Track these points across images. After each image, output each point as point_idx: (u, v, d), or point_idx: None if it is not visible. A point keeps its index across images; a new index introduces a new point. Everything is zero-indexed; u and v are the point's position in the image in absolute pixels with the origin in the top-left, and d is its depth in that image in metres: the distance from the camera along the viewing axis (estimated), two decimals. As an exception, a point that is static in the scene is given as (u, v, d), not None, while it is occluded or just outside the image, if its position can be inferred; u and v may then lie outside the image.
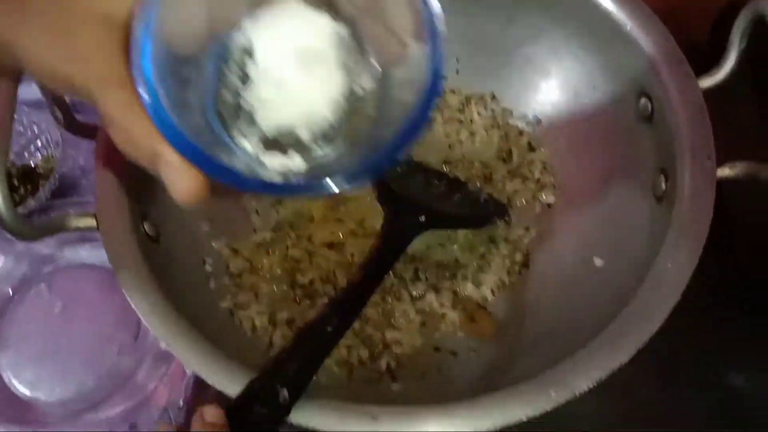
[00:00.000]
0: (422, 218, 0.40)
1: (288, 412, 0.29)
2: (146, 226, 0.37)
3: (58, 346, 0.51)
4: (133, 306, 0.33)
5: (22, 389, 0.49)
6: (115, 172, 0.37)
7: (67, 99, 0.40)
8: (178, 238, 0.40)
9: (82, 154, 0.61)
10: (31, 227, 0.33)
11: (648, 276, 0.33)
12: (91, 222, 0.36)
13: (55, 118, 0.38)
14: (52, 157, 0.59)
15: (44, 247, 0.56)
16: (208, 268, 0.41)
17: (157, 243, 0.38)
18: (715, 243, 0.48)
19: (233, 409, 0.28)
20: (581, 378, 0.30)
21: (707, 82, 0.38)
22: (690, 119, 0.36)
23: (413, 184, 0.43)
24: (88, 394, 0.49)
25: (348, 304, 0.35)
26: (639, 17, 0.40)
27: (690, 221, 0.34)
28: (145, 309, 0.33)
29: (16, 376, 0.50)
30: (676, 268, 0.32)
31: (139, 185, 0.38)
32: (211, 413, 0.27)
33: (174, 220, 0.41)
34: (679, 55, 0.38)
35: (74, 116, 0.39)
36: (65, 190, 0.60)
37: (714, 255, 0.48)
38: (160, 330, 0.32)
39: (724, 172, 0.35)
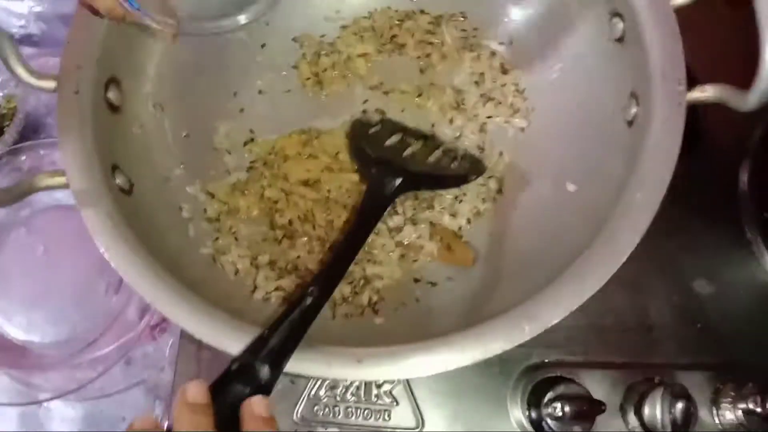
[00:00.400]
0: (399, 181, 0.40)
1: (270, 389, 0.29)
2: (118, 179, 0.37)
3: (46, 288, 0.52)
4: (112, 264, 0.33)
5: (15, 333, 0.51)
6: (80, 121, 0.36)
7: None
8: (152, 186, 0.40)
9: (44, 89, 0.59)
10: (2, 192, 0.33)
11: (617, 207, 0.33)
12: (61, 180, 0.35)
13: (9, 69, 0.37)
14: (13, 96, 0.57)
15: (17, 189, 0.55)
16: (185, 214, 0.41)
17: (130, 194, 0.38)
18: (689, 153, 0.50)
19: (215, 387, 0.28)
20: (552, 311, 0.31)
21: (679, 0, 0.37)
22: (661, 41, 0.36)
23: (390, 146, 0.43)
24: (80, 333, 0.51)
25: (328, 274, 0.35)
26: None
27: (659, 148, 0.34)
28: (123, 265, 0.33)
29: (7, 321, 0.51)
30: (644, 198, 0.33)
31: (107, 134, 0.38)
32: (194, 392, 0.27)
33: (146, 169, 0.40)
34: (651, -28, 0.37)
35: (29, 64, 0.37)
36: (32, 129, 0.59)
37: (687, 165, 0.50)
38: (142, 286, 0.33)
39: (695, 95, 0.35)
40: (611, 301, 0.47)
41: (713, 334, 0.46)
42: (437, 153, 0.44)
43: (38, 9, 0.60)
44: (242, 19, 0.32)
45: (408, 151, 0.43)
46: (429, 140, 0.45)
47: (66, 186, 0.35)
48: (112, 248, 0.33)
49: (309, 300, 0.32)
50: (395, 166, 0.42)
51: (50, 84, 0.37)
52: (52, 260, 0.52)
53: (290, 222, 0.43)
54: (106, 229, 0.34)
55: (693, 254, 0.48)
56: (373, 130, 0.44)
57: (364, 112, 0.46)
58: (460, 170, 0.43)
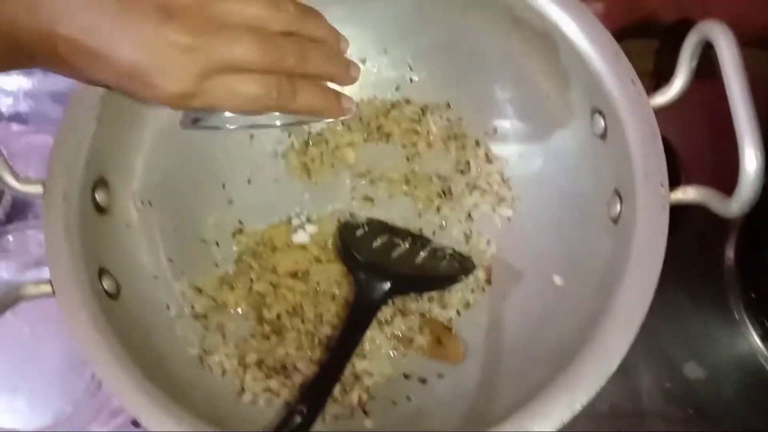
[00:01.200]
0: (387, 286, 0.41)
1: None
2: (105, 283, 0.37)
3: (31, 373, 0.51)
4: (98, 376, 0.33)
5: None
6: (66, 227, 0.36)
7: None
8: (139, 286, 0.40)
9: (31, 167, 0.59)
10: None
11: (605, 311, 0.33)
12: (47, 289, 0.35)
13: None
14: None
15: (3, 271, 0.55)
16: (172, 312, 0.41)
17: (117, 299, 0.37)
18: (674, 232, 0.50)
19: None
20: (543, 424, 0.31)
21: (658, 100, 0.37)
22: (642, 142, 0.36)
23: (377, 249, 0.43)
24: (66, 421, 0.50)
25: (316, 390, 0.34)
26: (591, 34, 0.39)
27: (645, 253, 0.34)
28: (109, 378, 0.33)
29: (-12, 409, 0.50)
30: (633, 303, 0.33)
31: (94, 237, 0.38)
32: None
33: (133, 268, 0.40)
34: (631, 74, 0.38)
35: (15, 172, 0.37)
36: (20, 209, 0.58)
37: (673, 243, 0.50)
38: (127, 399, 0.32)
39: (677, 196, 0.36)
40: (604, 388, 0.46)
41: (706, 419, 0.46)
42: (424, 253, 0.44)
43: (28, 86, 0.61)
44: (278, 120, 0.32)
45: (396, 253, 0.43)
46: (416, 240, 0.45)
47: (52, 295, 0.35)
48: (99, 361, 0.33)
49: (298, 419, 0.32)
50: (383, 270, 0.42)
51: (37, 189, 0.37)
52: (38, 344, 0.52)
53: (278, 316, 0.42)
54: (93, 341, 0.33)
55: (682, 337, 0.48)
56: (359, 232, 0.44)
57: (352, 199, 0.47)
58: (448, 270, 0.44)
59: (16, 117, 0.60)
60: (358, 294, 0.41)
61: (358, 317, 0.40)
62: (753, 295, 0.49)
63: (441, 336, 0.42)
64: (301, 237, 0.45)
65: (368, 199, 0.47)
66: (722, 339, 0.49)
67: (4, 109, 0.59)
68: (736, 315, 0.49)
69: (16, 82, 0.60)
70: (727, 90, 0.33)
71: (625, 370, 0.47)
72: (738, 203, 0.33)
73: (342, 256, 0.44)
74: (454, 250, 0.45)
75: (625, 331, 0.33)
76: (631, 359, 0.46)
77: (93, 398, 0.50)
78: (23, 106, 0.60)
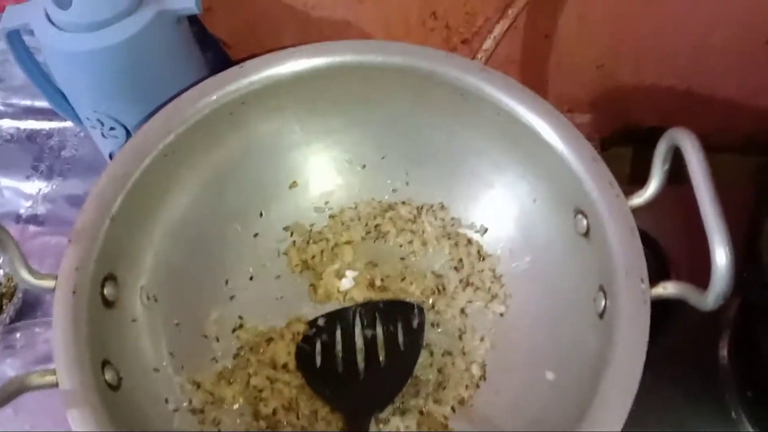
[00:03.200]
0: (367, 409, 0.42)
1: None
2: (107, 375, 0.38)
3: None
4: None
5: None
6: (74, 320, 0.38)
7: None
8: (140, 379, 0.41)
9: (45, 267, 0.61)
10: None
11: (591, 405, 0.34)
12: (52, 379, 0.36)
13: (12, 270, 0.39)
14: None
15: (8, 368, 0.56)
16: (170, 406, 0.41)
17: (118, 390, 0.38)
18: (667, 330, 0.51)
19: None
20: None
21: (635, 201, 0.40)
22: (622, 240, 0.38)
23: (342, 375, 0.45)
24: None
25: None
26: (569, 139, 0.42)
27: (628, 347, 0.35)
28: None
29: None
30: (618, 397, 0.34)
31: (100, 330, 0.39)
32: None
33: (135, 361, 0.41)
34: (608, 177, 0.40)
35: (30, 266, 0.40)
36: (30, 307, 0.60)
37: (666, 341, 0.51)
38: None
39: (658, 291, 0.37)
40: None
41: None
42: (380, 337, 0.46)
43: (46, 190, 0.64)
44: None
45: (360, 365, 0.45)
46: (369, 346, 0.46)
47: (56, 385, 0.36)
48: (95, 452, 0.33)
49: None
50: (357, 395, 0.43)
51: (50, 284, 0.39)
52: (38, 442, 0.52)
53: (274, 412, 0.43)
54: (90, 429, 0.34)
55: (679, 435, 0.48)
56: (317, 353, 0.45)
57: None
58: (411, 345, 0.45)
59: (33, 219, 0.62)
60: (344, 419, 0.42)
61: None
62: (749, 394, 0.49)
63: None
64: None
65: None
66: (720, 437, 0.48)
67: (22, 212, 0.63)
68: (733, 414, 0.49)
69: (36, 186, 0.64)
70: (695, 191, 0.35)
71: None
72: (713, 296, 0.34)
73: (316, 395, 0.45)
74: (393, 303, 0.47)
75: (612, 421, 0.33)
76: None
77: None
78: (41, 209, 0.63)
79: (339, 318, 0.47)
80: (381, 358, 0.45)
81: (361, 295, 0.48)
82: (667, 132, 0.38)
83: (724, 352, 0.51)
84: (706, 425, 0.48)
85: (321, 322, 0.47)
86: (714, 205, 0.35)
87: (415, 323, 0.46)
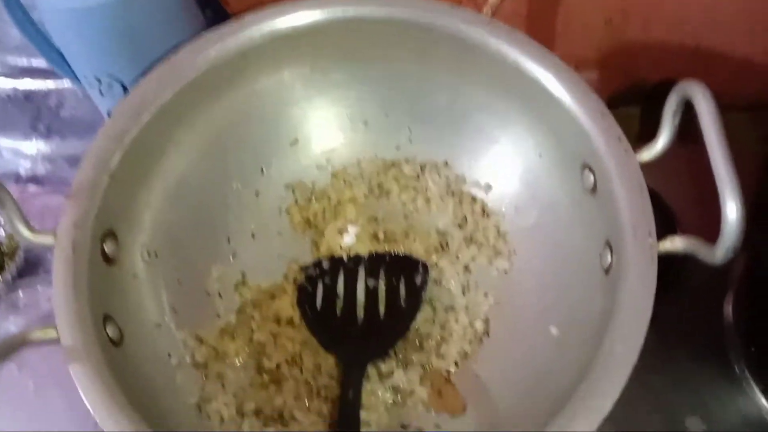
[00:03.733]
0: (363, 355, 0.42)
1: None
2: (109, 330, 0.38)
3: (35, 427, 0.51)
4: (98, 422, 0.33)
5: (0, 477, 0.49)
6: (74, 276, 0.37)
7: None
8: (142, 334, 0.40)
9: (46, 226, 0.61)
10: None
11: (596, 360, 0.34)
12: (53, 334, 0.36)
13: (11, 226, 0.38)
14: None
15: (11, 325, 0.56)
16: (173, 361, 0.41)
17: (120, 345, 0.38)
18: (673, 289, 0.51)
19: None
20: (537, 469, 0.31)
21: (645, 156, 0.39)
22: (629, 194, 0.38)
23: (338, 321, 0.45)
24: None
25: None
26: (577, 92, 0.41)
27: (634, 301, 0.35)
28: (109, 423, 0.33)
29: (-9, 465, 0.50)
30: (623, 351, 0.34)
31: (100, 286, 0.39)
32: None
33: (137, 317, 0.41)
34: (617, 131, 0.39)
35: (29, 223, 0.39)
36: (32, 266, 0.60)
37: (672, 301, 0.51)
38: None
39: (665, 246, 0.37)
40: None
41: (709, 474, 0.45)
42: (382, 289, 0.45)
43: (46, 150, 0.63)
44: None
45: (359, 313, 0.45)
46: (370, 273, 0.46)
47: (57, 341, 0.36)
48: (99, 406, 0.34)
49: None
50: (354, 343, 0.43)
51: (48, 240, 0.39)
52: (43, 398, 0.52)
53: (278, 366, 0.43)
54: (94, 386, 0.34)
55: (684, 391, 0.48)
56: (318, 295, 0.46)
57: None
58: (410, 293, 0.45)
59: (34, 179, 0.62)
60: (340, 366, 0.43)
61: (348, 380, 0.41)
62: (753, 350, 0.49)
63: (441, 388, 0.42)
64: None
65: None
66: (724, 394, 0.48)
67: (22, 172, 0.62)
68: (737, 370, 0.49)
69: (35, 146, 0.63)
70: (706, 144, 0.35)
71: (626, 425, 0.47)
72: (722, 250, 0.34)
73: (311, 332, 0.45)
74: (399, 258, 0.47)
75: (617, 375, 0.33)
76: (632, 415, 0.47)
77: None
78: (41, 169, 0.62)
79: (343, 264, 0.47)
80: (381, 311, 0.45)
81: (364, 250, 0.48)
82: (678, 84, 0.37)
83: (729, 309, 0.51)
84: (710, 381, 0.48)
85: (325, 265, 0.47)
86: (725, 158, 0.34)
87: (418, 280, 0.46)
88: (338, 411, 0.39)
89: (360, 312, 0.45)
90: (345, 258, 0.47)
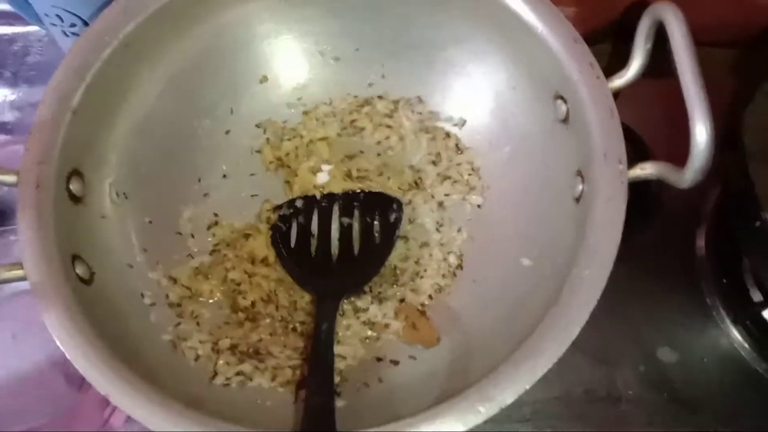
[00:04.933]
0: (339, 290, 0.42)
1: None
2: (78, 269, 0.37)
3: (15, 377, 0.51)
4: (69, 358, 0.33)
5: (-22, 428, 0.49)
6: (40, 214, 0.37)
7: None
8: (113, 274, 0.40)
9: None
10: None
11: (565, 284, 0.34)
12: (19, 273, 0.36)
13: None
14: (-17, 184, 0.58)
15: (-15, 276, 0.55)
16: (146, 300, 0.41)
17: (91, 284, 0.38)
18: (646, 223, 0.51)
19: None
20: (507, 392, 0.31)
21: (617, 82, 0.39)
22: (601, 122, 0.37)
23: (315, 258, 0.45)
24: (47, 423, 0.49)
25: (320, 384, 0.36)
26: (550, 20, 0.40)
27: (604, 226, 0.35)
28: (79, 359, 0.33)
29: (-29, 413, 0.50)
30: (592, 275, 0.34)
31: (68, 225, 0.38)
32: None
33: (107, 257, 0.41)
34: (589, 58, 0.39)
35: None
36: (2, 215, 0.59)
37: (645, 233, 0.51)
38: (97, 380, 0.33)
39: (635, 172, 0.37)
40: (579, 372, 0.47)
41: (681, 403, 0.47)
42: (356, 227, 0.45)
43: (13, 98, 0.62)
44: None
45: (334, 250, 0.45)
46: (344, 211, 0.46)
47: (24, 278, 0.35)
48: (68, 342, 0.33)
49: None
50: (329, 278, 0.43)
51: (11, 178, 0.38)
52: (22, 347, 0.52)
53: (253, 304, 0.43)
54: (63, 322, 0.34)
55: (656, 322, 0.49)
56: (293, 234, 0.45)
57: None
58: (385, 238, 0.45)
59: (1, 127, 0.61)
60: (315, 301, 0.43)
61: (323, 314, 0.40)
62: (724, 281, 0.50)
63: (416, 321, 0.42)
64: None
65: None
66: (695, 325, 0.49)
67: (-12, 119, 0.61)
68: (708, 301, 0.50)
69: (1, 94, 0.61)
70: (677, 66, 0.34)
71: (599, 355, 0.48)
72: (691, 172, 0.34)
73: (284, 268, 0.45)
74: (373, 195, 0.46)
75: (585, 299, 0.33)
76: (605, 345, 0.48)
77: (74, 399, 0.50)
78: (8, 117, 0.61)
79: (317, 203, 0.46)
80: (355, 248, 0.45)
81: (338, 188, 0.47)
82: (649, 7, 0.37)
83: (701, 242, 0.52)
84: (682, 312, 0.49)
85: (299, 203, 0.46)
86: (696, 80, 0.34)
87: (392, 218, 0.45)
88: (312, 345, 0.39)
89: (335, 249, 0.45)
90: (318, 196, 0.47)
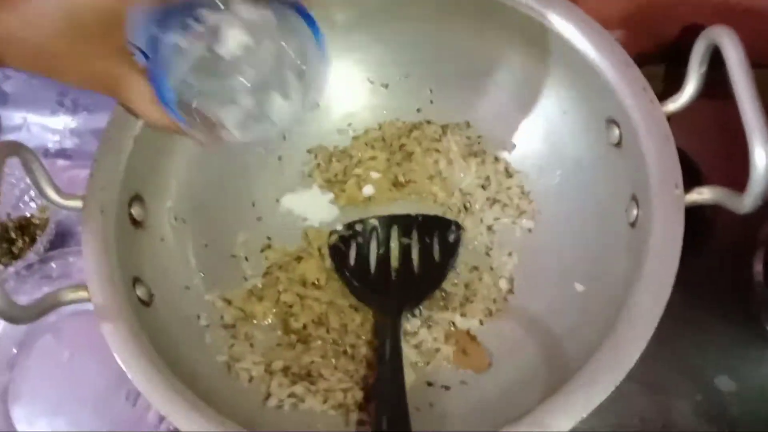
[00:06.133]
0: (398, 305, 0.42)
1: None
2: (138, 291, 0.39)
3: (70, 395, 0.52)
4: (130, 377, 0.34)
5: (37, 442, 0.51)
6: (103, 238, 0.38)
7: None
8: (171, 296, 0.41)
9: (75, 199, 0.62)
10: (26, 310, 0.34)
11: (621, 312, 0.34)
12: (84, 294, 0.37)
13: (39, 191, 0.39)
14: (47, 206, 0.60)
15: (46, 296, 0.57)
16: (202, 322, 0.42)
17: (150, 305, 0.39)
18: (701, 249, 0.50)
19: None
20: (562, 421, 0.31)
21: (670, 107, 0.38)
22: (656, 146, 0.37)
23: (376, 273, 0.45)
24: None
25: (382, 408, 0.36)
26: (601, 44, 0.40)
27: (661, 253, 0.34)
28: (140, 379, 0.34)
29: (30, 428, 0.51)
30: (649, 303, 0.33)
31: (129, 248, 0.40)
32: None
33: (166, 279, 0.42)
34: (642, 83, 0.39)
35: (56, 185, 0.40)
36: (62, 237, 0.61)
37: (699, 260, 0.50)
38: (158, 400, 0.34)
39: (692, 197, 0.36)
40: (634, 403, 0.46)
41: (738, 433, 0.45)
42: (416, 251, 0.46)
43: (73, 125, 0.64)
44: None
45: (394, 266, 0.45)
46: (404, 232, 0.46)
47: (88, 300, 0.37)
48: (131, 362, 0.34)
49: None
50: (389, 292, 0.44)
51: (77, 204, 0.39)
52: (77, 366, 0.53)
53: (304, 326, 0.44)
54: (125, 343, 0.35)
55: (712, 351, 0.48)
56: (352, 255, 0.46)
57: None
58: (444, 255, 0.45)
59: (62, 153, 0.63)
60: (375, 317, 0.43)
61: (384, 334, 0.40)
62: (783, 308, 0.48)
63: (466, 346, 0.42)
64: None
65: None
66: (754, 352, 0.48)
67: (50, 146, 0.63)
68: (766, 328, 0.48)
69: (62, 121, 0.64)
70: (734, 90, 0.34)
71: (655, 385, 0.47)
72: (750, 198, 0.33)
73: (347, 287, 0.45)
74: (434, 219, 0.47)
75: (643, 328, 0.33)
76: (660, 375, 0.47)
77: (128, 419, 0.51)
78: (68, 143, 0.63)
79: (375, 226, 0.47)
80: (415, 266, 0.45)
81: (384, 198, 0.48)
82: (704, 30, 0.36)
83: (758, 268, 0.50)
84: (739, 340, 0.48)
85: (358, 227, 0.47)
86: (754, 104, 0.33)
87: (451, 238, 0.46)
88: (378, 362, 0.39)
89: (394, 269, 0.45)
90: (377, 222, 0.47)
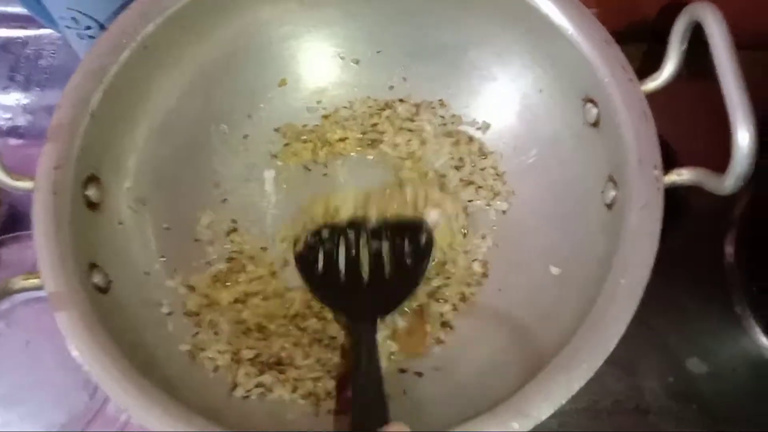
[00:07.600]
0: (372, 313, 0.40)
1: None
2: (95, 278, 0.36)
3: (27, 384, 0.50)
4: (85, 369, 0.32)
5: (-8, 434, 0.49)
6: (56, 221, 0.36)
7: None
8: (131, 282, 0.39)
9: (28, 181, 0.59)
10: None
11: (600, 295, 0.33)
12: (36, 282, 0.35)
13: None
14: (-2, 189, 0.57)
15: (-4, 284, 0.54)
16: (164, 309, 0.40)
17: (108, 293, 0.37)
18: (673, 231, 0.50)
19: None
20: (542, 407, 0.30)
21: (650, 85, 0.37)
22: (635, 126, 0.36)
23: (346, 283, 0.43)
24: (65, 424, 0.49)
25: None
26: (580, 21, 0.39)
27: (640, 234, 0.34)
28: (96, 369, 0.32)
29: (-16, 421, 0.49)
30: (628, 285, 0.33)
31: (85, 232, 0.37)
32: None
33: (125, 265, 0.40)
34: (621, 61, 0.38)
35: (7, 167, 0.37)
36: (16, 221, 0.58)
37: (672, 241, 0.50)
38: (115, 391, 0.32)
39: (671, 178, 0.35)
40: (606, 384, 0.46)
41: (711, 414, 0.45)
42: (386, 256, 0.43)
43: (25, 101, 0.61)
44: None
45: (365, 275, 0.43)
46: (373, 238, 0.44)
47: (41, 287, 0.34)
48: (86, 352, 0.32)
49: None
50: (360, 300, 0.42)
51: (27, 185, 0.37)
52: (35, 354, 0.51)
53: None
54: (80, 332, 0.33)
55: (684, 333, 0.48)
56: (320, 266, 0.43)
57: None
58: (416, 259, 0.43)
59: (14, 131, 0.60)
60: (349, 324, 0.41)
61: (360, 343, 0.39)
62: (755, 290, 0.48)
63: (416, 328, 0.41)
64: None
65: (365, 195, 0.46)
66: (725, 334, 0.48)
67: (2, 124, 0.60)
68: (738, 310, 0.48)
69: (14, 97, 0.61)
70: (717, 68, 0.33)
71: (627, 366, 0.46)
72: (732, 178, 0.32)
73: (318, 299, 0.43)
74: (400, 222, 0.44)
75: (623, 309, 0.32)
76: (633, 356, 0.47)
77: (87, 407, 0.49)
78: (21, 121, 0.60)
79: (343, 231, 0.44)
80: (386, 271, 0.43)
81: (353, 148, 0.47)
82: (687, 7, 0.35)
83: (730, 249, 0.50)
84: (711, 321, 0.48)
85: (325, 233, 0.44)
86: (737, 83, 0.32)
87: (422, 240, 0.44)
88: (353, 374, 0.38)
89: (365, 275, 0.43)
90: (345, 224, 0.45)
